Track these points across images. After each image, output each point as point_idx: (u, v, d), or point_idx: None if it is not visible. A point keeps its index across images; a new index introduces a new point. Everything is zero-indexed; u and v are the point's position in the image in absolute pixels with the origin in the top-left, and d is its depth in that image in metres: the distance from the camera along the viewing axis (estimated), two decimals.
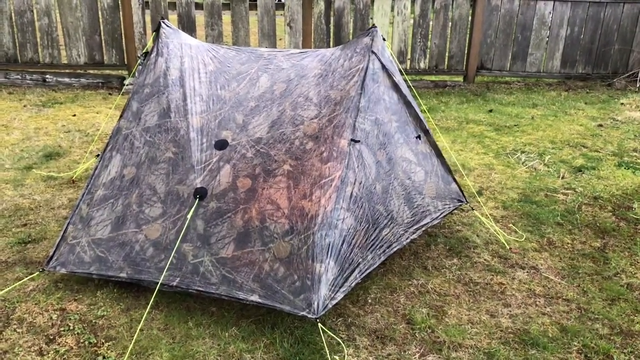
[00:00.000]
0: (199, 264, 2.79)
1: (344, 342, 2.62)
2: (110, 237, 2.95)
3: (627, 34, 7.57)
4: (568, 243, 3.62)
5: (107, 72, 7.42)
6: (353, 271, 2.80)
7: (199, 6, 7.10)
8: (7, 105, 6.45)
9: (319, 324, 2.55)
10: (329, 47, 7.30)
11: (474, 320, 2.83)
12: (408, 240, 3.13)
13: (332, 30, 7.29)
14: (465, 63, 7.58)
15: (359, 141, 3.00)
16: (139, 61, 3.57)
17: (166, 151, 3.10)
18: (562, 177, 4.68)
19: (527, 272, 3.29)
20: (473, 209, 3.89)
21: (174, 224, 2.90)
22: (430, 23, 7.38)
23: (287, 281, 2.67)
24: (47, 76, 7.26)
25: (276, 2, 7.15)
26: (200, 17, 7.29)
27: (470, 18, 7.40)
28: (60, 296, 2.86)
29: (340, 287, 2.71)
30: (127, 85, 7.06)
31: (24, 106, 6.43)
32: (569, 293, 3.09)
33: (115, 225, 2.97)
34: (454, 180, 3.55)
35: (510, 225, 3.80)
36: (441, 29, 7.42)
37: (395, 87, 3.34)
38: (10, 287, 2.89)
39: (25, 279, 2.95)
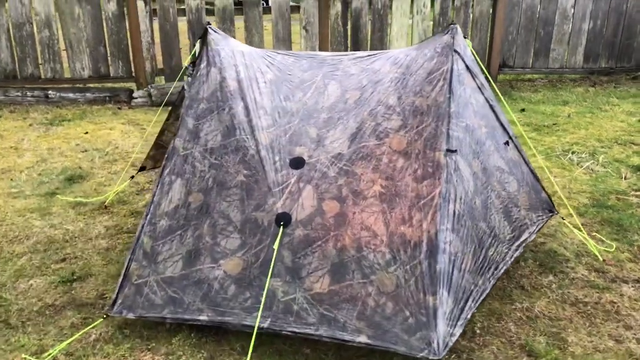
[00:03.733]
0: (292, 302, 2.43)
1: None
2: (183, 275, 2.58)
3: None
4: None
5: (113, 85, 7.01)
6: (467, 300, 2.47)
7: (209, 12, 6.72)
8: (11, 125, 6.00)
9: None
10: (347, 50, 6.98)
11: (600, 347, 2.52)
12: (512, 259, 2.82)
13: (349, 32, 6.97)
14: (487, 61, 7.31)
15: (455, 151, 2.68)
16: (187, 72, 3.21)
17: (237, 174, 2.74)
18: (625, 178, 4.41)
19: (633, 286, 2.99)
20: (555, 218, 3.59)
21: (257, 257, 2.54)
22: (452, 21, 7.09)
23: (397, 318, 2.33)
24: (50, 92, 6.81)
25: (291, 4, 6.81)
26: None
27: (491, 15, 7.14)
28: (131, 346, 2.49)
29: (457, 320, 2.38)
30: (137, 98, 6.65)
31: (30, 125, 5.99)
32: None
33: (187, 260, 2.60)
34: (543, 188, 3.24)
35: (594, 234, 3.51)
36: (462, 27, 7.13)
37: (480, 89, 3.03)
38: (71, 339, 2.50)
39: (88, 328, 2.57)
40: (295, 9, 6.82)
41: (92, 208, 3.93)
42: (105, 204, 3.95)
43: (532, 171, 3.18)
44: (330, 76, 3.07)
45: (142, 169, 4.05)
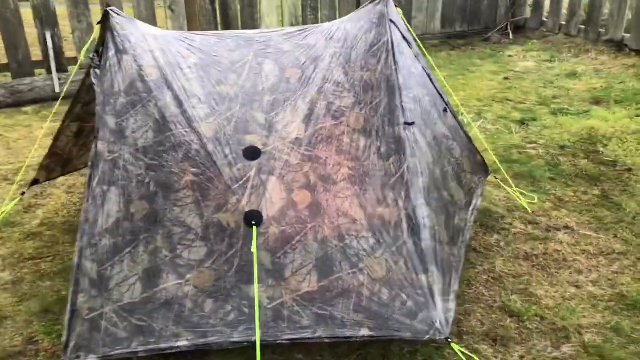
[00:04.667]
0: (281, 307, 2.20)
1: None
2: (146, 299, 2.21)
3: None
4: (573, 196, 3.61)
5: None
6: (451, 272, 2.44)
7: None
8: None
9: (454, 345, 2.16)
10: (217, 29, 6.60)
11: (566, 296, 2.65)
12: (471, 224, 2.84)
13: (218, 10, 6.58)
14: None
15: (413, 123, 2.61)
16: (91, 64, 2.73)
17: (183, 174, 2.40)
18: (516, 132, 4.73)
19: (566, 232, 3.20)
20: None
21: (229, 264, 2.26)
22: None
23: (395, 304, 2.22)
24: None
25: None
26: (61, 9, 6.09)
27: None
28: None
29: (448, 295, 2.34)
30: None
31: None
32: (616, 246, 3.06)
33: (146, 281, 2.23)
34: (477, 151, 3.31)
35: (515, 188, 3.70)
36: (330, 0, 7.11)
37: (417, 57, 2.98)
38: None
39: None
40: None
41: None
42: None
43: (466, 135, 3.23)
44: (262, 55, 2.80)
45: (35, 182, 3.45)
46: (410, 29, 3.00)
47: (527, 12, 8.14)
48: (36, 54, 6.14)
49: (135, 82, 2.61)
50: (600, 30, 7.00)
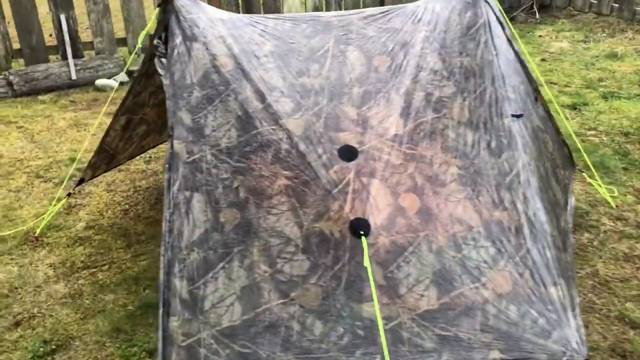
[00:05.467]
0: (398, 328, 1.96)
1: None
2: (247, 321, 1.95)
3: None
4: None
5: None
6: (570, 282, 2.21)
7: None
8: None
9: None
10: (240, 10, 6.27)
11: None
12: (571, 226, 2.61)
13: None
14: None
15: (521, 115, 2.36)
16: (155, 52, 2.44)
17: (275, 178, 2.14)
18: (572, 119, 4.49)
19: None
20: None
21: (337, 279, 2.00)
22: None
23: (525, 321, 1.99)
24: None
25: None
26: None
27: None
28: None
29: (574, 308, 2.10)
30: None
31: None
32: None
33: (246, 301, 1.98)
34: (565, 143, 3.06)
35: (598, 181, 3.46)
36: None
37: (511, 41, 2.70)
38: None
39: None
40: None
41: (16, 244, 2.97)
42: (36, 234, 3.01)
43: (555, 126, 2.98)
44: (344, 41, 2.52)
45: (81, 181, 3.16)
46: (501, 9, 2.73)
47: None
48: (49, 38, 5.79)
49: (209, 74, 2.33)
50: (636, 8, 6.74)
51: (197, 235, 2.07)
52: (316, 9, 6.69)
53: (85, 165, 3.79)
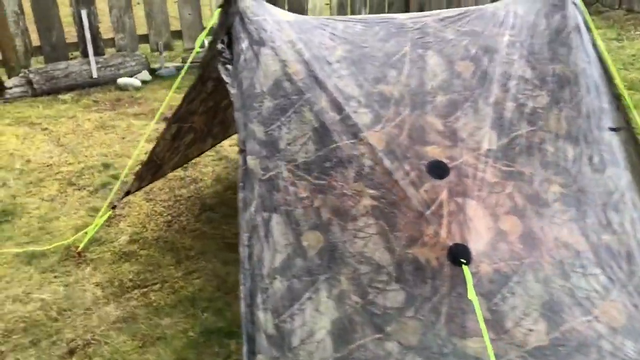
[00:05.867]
0: None
1: None
2: (341, 359, 1.77)
3: None
4: None
5: None
6: None
7: None
8: None
9: None
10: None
11: None
12: None
13: None
14: (405, 8, 6.87)
15: (620, 129, 2.17)
16: (219, 58, 2.24)
17: (360, 197, 1.95)
18: None
19: None
20: None
21: (436, 313, 1.82)
22: None
23: None
24: None
25: None
26: None
27: None
28: None
29: None
30: (12, 88, 5.09)
31: None
32: None
33: (337, 336, 1.79)
34: None
35: None
36: None
37: (595, 44, 2.51)
38: None
39: None
40: None
41: (58, 259, 2.78)
42: (78, 249, 2.81)
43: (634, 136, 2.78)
44: (422, 45, 2.32)
45: (127, 194, 2.96)
46: (586, 10, 2.53)
47: None
48: (70, 34, 5.58)
49: (281, 82, 2.13)
50: None
51: (279, 261, 1.88)
52: (341, 6, 6.48)
53: (119, 171, 3.62)
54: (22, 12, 5.18)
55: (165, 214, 3.18)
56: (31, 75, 5.15)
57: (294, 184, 1.99)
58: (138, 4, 5.68)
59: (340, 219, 1.93)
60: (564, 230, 1.94)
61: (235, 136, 3.96)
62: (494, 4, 2.49)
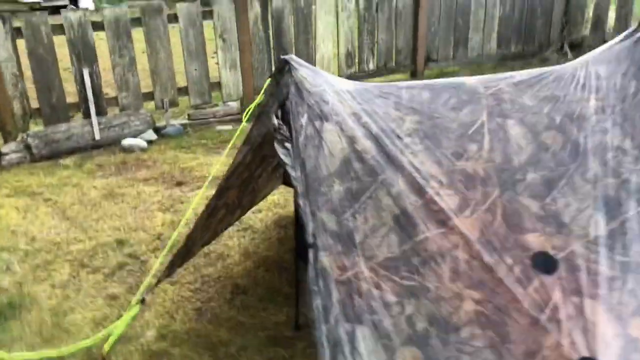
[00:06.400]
0: None
1: None
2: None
3: (548, 8, 7.42)
4: None
5: None
6: None
7: (97, 26, 5.06)
8: None
9: None
10: (270, 60, 5.85)
11: None
12: None
13: (272, 36, 5.82)
14: (413, 57, 6.72)
15: None
16: (276, 135, 1.95)
17: (460, 300, 1.64)
18: None
19: None
20: None
21: None
22: (376, 16, 6.33)
23: None
24: None
25: (202, 10, 5.43)
26: (100, 42, 5.23)
27: (413, 6, 6.52)
28: None
29: None
30: (9, 154, 4.75)
31: None
32: None
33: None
34: None
35: None
36: (387, 22, 6.41)
37: None
38: None
39: None
40: (208, 14, 5.47)
41: None
42: (103, 354, 2.44)
43: None
44: (499, 113, 2.06)
45: (158, 282, 2.62)
46: None
47: (584, 30, 7.60)
48: (69, 93, 5.29)
49: (350, 161, 1.86)
50: None
51: None
52: (349, 55, 6.31)
53: (135, 248, 3.29)
54: (21, 74, 4.90)
55: (193, 300, 2.84)
56: (30, 140, 4.83)
57: (378, 287, 1.68)
58: (143, 52, 5.43)
59: (440, 330, 1.62)
60: None
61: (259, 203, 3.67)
62: (570, 63, 2.26)
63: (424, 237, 1.74)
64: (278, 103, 2.03)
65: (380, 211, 1.79)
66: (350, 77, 6.32)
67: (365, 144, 1.90)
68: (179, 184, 4.28)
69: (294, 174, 1.88)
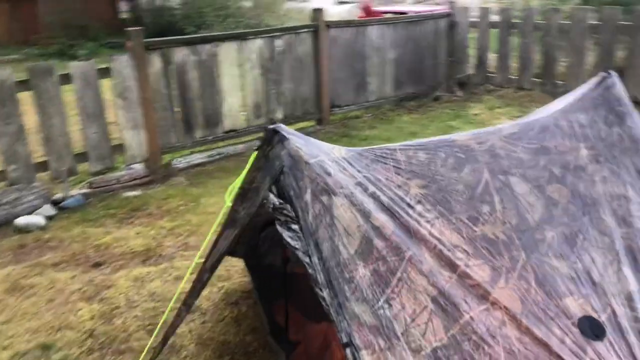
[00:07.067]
0: None
1: None
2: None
3: (434, 51, 7.80)
4: None
5: None
6: None
7: None
8: None
9: None
10: (173, 115, 5.49)
11: None
12: None
13: (176, 93, 5.47)
14: (318, 104, 6.68)
15: None
16: (278, 217, 1.71)
17: None
18: None
19: None
20: None
21: None
22: (279, 66, 6.22)
23: None
24: None
25: (96, 68, 4.95)
26: None
27: (314, 55, 6.51)
28: None
29: None
30: None
31: None
32: None
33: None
34: None
35: None
36: (291, 71, 6.33)
37: None
38: None
39: None
40: (105, 72, 5.01)
41: None
42: None
43: None
44: (500, 170, 1.98)
45: None
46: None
47: (469, 69, 8.08)
48: None
49: (370, 240, 1.67)
50: (557, 82, 7.09)
51: None
52: (257, 107, 6.12)
53: (63, 351, 2.79)
54: None
55: None
56: None
57: None
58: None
59: None
60: None
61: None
62: (550, 114, 2.24)
63: (469, 318, 1.57)
64: (271, 178, 1.78)
65: (416, 294, 1.59)
66: (259, 127, 6.13)
67: (381, 218, 1.71)
68: (97, 264, 3.76)
69: (308, 260, 1.63)
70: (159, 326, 2.61)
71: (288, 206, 1.71)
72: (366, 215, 1.70)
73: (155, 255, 3.88)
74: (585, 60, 6.81)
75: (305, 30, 6.42)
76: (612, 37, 6.56)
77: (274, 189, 1.76)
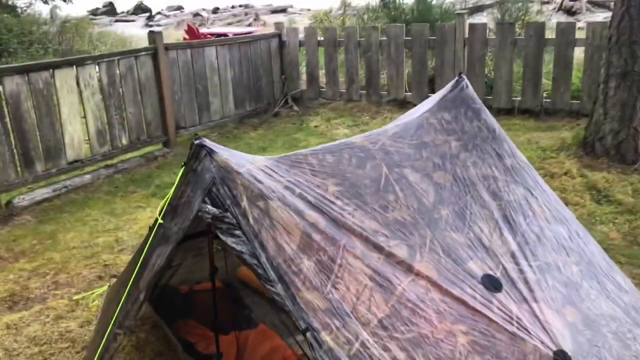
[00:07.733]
0: None
1: None
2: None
3: (268, 69, 8.15)
4: None
5: None
6: None
7: None
8: None
9: None
10: (12, 151, 5.05)
11: None
12: None
13: (10, 125, 5.03)
14: (163, 127, 6.58)
15: None
16: (217, 224, 1.81)
17: (454, 336, 1.80)
18: None
19: None
20: None
21: None
22: (121, 90, 6.02)
23: None
24: None
25: None
26: None
27: (155, 77, 6.42)
28: None
29: None
30: None
31: None
32: None
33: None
34: None
35: None
36: (133, 96, 6.15)
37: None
38: None
39: None
40: None
41: None
42: None
43: None
44: (394, 164, 2.29)
45: None
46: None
47: (302, 85, 8.55)
48: None
49: (309, 235, 1.86)
50: (382, 92, 7.85)
51: None
52: (100, 134, 5.86)
53: None
54: None
55: None
56: None
57: (386, 348, 1.70)
58: None
59: None
60: (602, 305, 2.11)
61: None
62: (420, 114, 2.61)
63: (401, 289, 1.82)
64: (202, 191, 1.87)
65: (357, 275, 1.80)
66: (104, 156, 5.88)
67: (313, 215, 1.90)
68: None
69: (256, 261, 1.76)
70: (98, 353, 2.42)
71: (228, 214, 1.81)
72: (300, 213, 1.87)
73: (23, 299, 3.57)
74: (403, 71, 7.65)
75: (145, 53, 6.32)
76: (424, 50, 7.47)
77: (207, 200, 1.85)
